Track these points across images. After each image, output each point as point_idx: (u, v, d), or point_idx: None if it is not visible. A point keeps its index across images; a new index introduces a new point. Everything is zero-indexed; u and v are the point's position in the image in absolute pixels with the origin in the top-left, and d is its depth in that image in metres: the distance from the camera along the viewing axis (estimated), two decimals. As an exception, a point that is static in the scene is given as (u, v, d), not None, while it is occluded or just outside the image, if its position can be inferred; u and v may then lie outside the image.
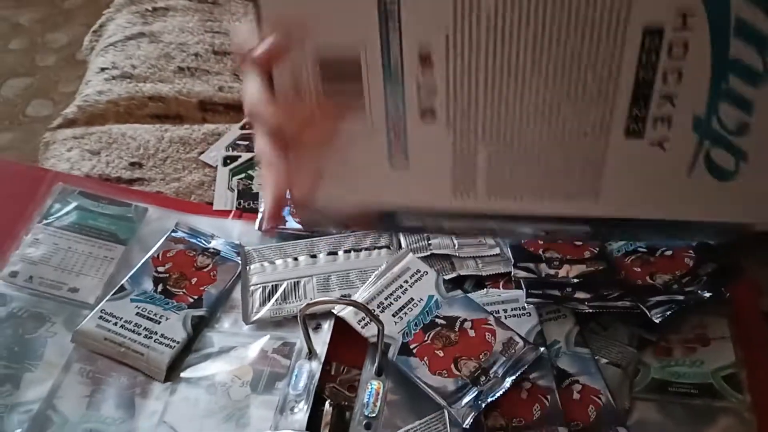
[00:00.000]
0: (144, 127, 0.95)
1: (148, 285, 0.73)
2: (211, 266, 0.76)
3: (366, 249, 0.77)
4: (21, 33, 1.98)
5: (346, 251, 0.77)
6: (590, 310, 0.69)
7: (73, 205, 0.81)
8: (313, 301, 0.64)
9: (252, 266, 0.76)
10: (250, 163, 0.90)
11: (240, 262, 0.76)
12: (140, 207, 0.82)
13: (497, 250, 0.77)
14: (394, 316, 0.70)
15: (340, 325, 0.70)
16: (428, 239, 0.78)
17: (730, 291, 0.71)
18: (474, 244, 0.77)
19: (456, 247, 0.76)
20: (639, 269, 0.73)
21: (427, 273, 0.73)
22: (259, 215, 0.82)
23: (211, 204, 0.85)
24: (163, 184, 0.87)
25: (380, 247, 0.78)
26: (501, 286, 0.74)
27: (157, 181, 0.87)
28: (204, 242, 0.78)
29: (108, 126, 0.96)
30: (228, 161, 0.90)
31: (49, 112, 1.64)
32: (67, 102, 1.07)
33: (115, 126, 0.96)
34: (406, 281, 0.73)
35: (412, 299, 0.71)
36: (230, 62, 1.05)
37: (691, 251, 0.74)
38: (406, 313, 0.70)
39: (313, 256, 0.77)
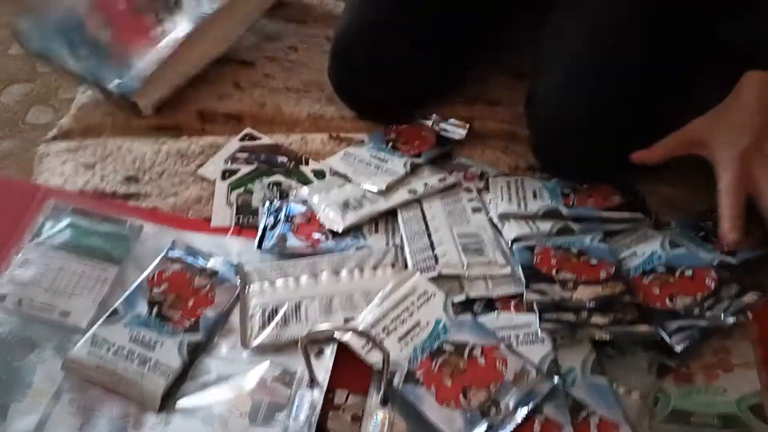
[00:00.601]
0: (140, 139, 0.92)
1: (143, 308, 0.70)
2: (208, 287, 0.72)
3: (371, 267, 0.74)
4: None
5: (349, 270, 0.74)
6: (608, 337, 0.65)
7: (66, 222, 0.78)
8: (314, 330, 0.61)
9: (251, 287, 0.72)
10: (250, 177, 0.86)
11: (239, 282, 0.73)
12: (135, 224, 0.79)
13: (508, 270, 0.73)
14: (399, 340, 0.66)
15: (344, 348, 0.67)
16: (436, 258, 0.74)
17: (753, 312, 0.67)
18: (484, 263, 0.73)
19: (465, 266, 0.73)
20: (658, 291, 0.70)
21: (434, 295, 0.70)
22: (259, 232, 0.78)
23: (209, 220, 0.82)
24: (159, 200, 0.84)
25: (385, 266, 0.74)
26: (513, 308, 0.70)
27: (154, 196, 0.84)
28: (201, 262, 0.75)
29: (104, 138, 0.93)
30: (227, 174, 0.87)
31: (48, 119, 1.60)
32: (67, 109, 1.04)
33: (111, 138, 0.92)
34: (413, 303, 0.69)
35: (419, 323, 0.68)
36: (230, 71, 1.02)
37: (712, 271, 0.70)
38: (412, 338, 0.66)
39: (315, 276, 0.73)
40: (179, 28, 0.97)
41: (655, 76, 0.78)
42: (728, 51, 0.77)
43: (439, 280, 0.72)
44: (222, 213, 0.82)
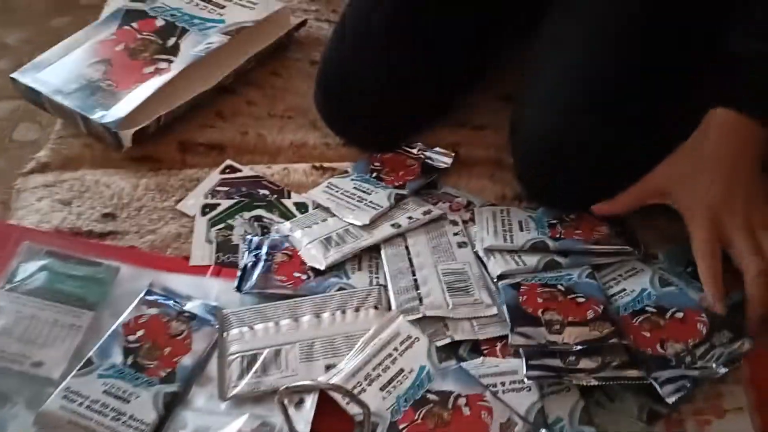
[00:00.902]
0: (119, 173, 0.90)
1: (118, 357, 0.68)
2: (185, 333, 0.70)
3: (353, 309, 0.72)
4: (8, 53, 1.94)
5: (331, 313, 0.72)
6: (596, 383, 0.63)
7: (40, 265, 0.76)
8: (291, 385, 0.59)
9: (230, 332, 0.70)
10: (230, 212, 0.84)
11: (217, 327, 0.71)
12: (112, 266, 0.77)
13: (494, 310, 0.71)
14: (382, 389, 0.64)
15: (326, 395, 0.65)
16: (420, 299, 0.72)
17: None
18: (469, 304, 0.71)
19: (450, 307, 0.71)
20: (648, 334, 0.68)
21: (418, 339, 0.68)
22: (238, 272, 0.76)
23: (188, 258, 0.80)
24: (137, 238, 0.82)
25: (368, 307, 0.72)
26: (498, 351, 0.68)
27: (131, 234, 0.82)
28: (179, 305, 0.73)
29: (81, 171, 0.90)
30: (207, 210, 0.84)
31: (36, 137, 1.59)
32: (54, 126, 1.03)
33: (89, 172, 0.90)
34: (396, 349, 0.67)
35: (402, 370, 0.66)
36: (211, 99, 0.99)
37: (703, 314, 0.68)
38: (395, 387, 0.64)
39: (296, 319, 0.71)
40: (173, 66, 0.96)
41: (655, 78, 0.76)
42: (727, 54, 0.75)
43: (423, 322, 0.70)
44: (201, 251, 0.80)
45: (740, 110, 0.70)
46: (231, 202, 0.85)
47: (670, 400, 0.61)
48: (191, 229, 0.83)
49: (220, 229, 0.82)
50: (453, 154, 0.91)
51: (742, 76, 0.72)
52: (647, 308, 0.70)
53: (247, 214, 0.84)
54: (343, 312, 0.72)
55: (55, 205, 0.85)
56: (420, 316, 0.70)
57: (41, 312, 0.72)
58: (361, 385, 0.64)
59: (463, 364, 0.66)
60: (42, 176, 0.91)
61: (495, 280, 0.75)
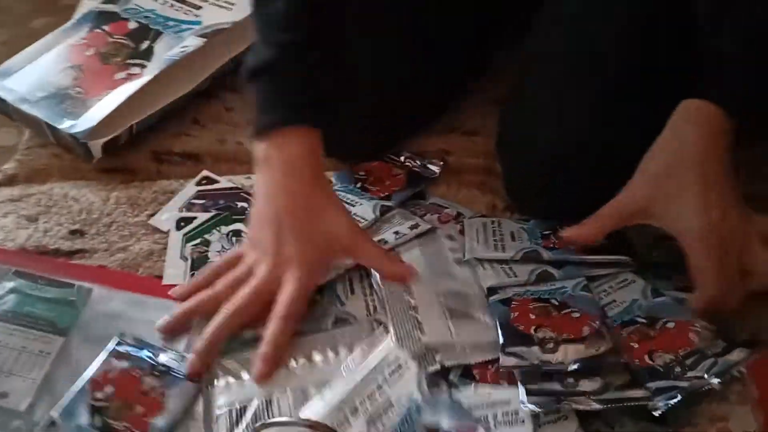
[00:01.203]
0: (89, 186, 0.85)
1: (84, 418, 0.61)
2: (159, 390, 0.64)
3: (347, 348, 0.67)
4: (-14, 55, 1.88)
5: (324, 355, 0.66)
6: (599, 407, 0.59)
7: (8, 288, 0.72)
8: (268, 421, 0.55)
9: (216, 384, 0.65)
10: (207, 226, 0.80)
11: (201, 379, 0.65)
12: (84, 287, 0.72)
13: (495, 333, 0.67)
14: (368, 424, 0.60)
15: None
16: (420, 327, 0.67)
17: (751, 372, 0.62)
18: (472, 331, 0.67)
19: (453, 335, 0.66)
20: (637, 345, 0.65)
21: (408, 367, 0.63)
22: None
23: (161, 278, 0.75)
24: (106, 256, 0.77)
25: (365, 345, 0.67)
26: (489, 376, 0.64)
27: (100, 253, 0.78)
28: (152, 357, 0.66)
29: (49, 185, 0.86)
30: (182, 224, 0.80)
31: (14, 142, 1.54)
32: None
33: (57, 184, 0.86)
34: (385, 380, 0.62)
35: (390, 401, 0.61)
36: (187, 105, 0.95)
37: (696, 324, 0.65)
38: (383, 420, 0.60)
39: (286, 363, 0.66)
40: (145, 71, 0.92)
41: (655, 78, 0.72)
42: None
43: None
44: (175, 269, 0.76)
45: (731, 113, 0.66)
46: (208, 215, 0.81)
47: (657, 412, 0.58)
48: (165, 245, 0.78)
49: (195, 245, 0.78)
50: (441, 163, 0.87)
51: (731, 78, 0.68)
52: (637, 319, 0.67)
53: (225, 229, 0.80)
54: (336, 354, 0.66)
55: (20, 221, 0.81)
56: (422, 345, 0.65)
57: (8, 338, 0.67)
58: (347, 418, 0.60)
59: (455, 393, 0.62)
60: (8, 189, 0.87)
61: (485, 293, 0.71)
